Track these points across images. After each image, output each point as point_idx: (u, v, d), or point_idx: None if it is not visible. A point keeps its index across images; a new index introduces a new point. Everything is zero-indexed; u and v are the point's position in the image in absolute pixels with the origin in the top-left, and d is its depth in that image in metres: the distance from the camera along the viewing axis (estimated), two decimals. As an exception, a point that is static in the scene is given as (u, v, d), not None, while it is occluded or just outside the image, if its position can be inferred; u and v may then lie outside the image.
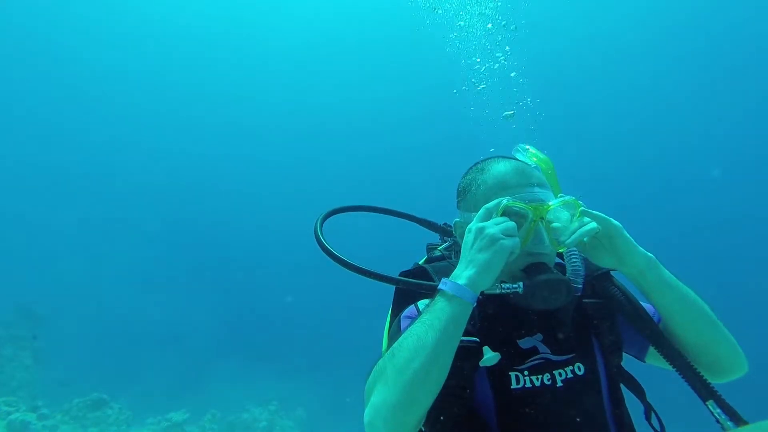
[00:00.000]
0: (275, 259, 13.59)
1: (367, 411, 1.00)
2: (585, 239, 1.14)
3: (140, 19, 13.80)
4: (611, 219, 1.15)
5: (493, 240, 1.06)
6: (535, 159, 1.22)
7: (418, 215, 1.59)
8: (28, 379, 8.76)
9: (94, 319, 11.56)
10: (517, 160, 1.28)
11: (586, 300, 1.24)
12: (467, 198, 1.27)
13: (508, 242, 1.06)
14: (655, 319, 1.25)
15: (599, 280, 1.26)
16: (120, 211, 13.88)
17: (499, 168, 1.24)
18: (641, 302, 1.25)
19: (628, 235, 1.15)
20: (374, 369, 1.04)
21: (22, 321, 9.56)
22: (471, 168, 1.31)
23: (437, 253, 1.47)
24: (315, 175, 14.15)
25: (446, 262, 1.35)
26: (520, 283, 1.11)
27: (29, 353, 9.20)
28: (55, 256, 12.73)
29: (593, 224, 1.14)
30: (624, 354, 1.26)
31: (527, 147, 1.23)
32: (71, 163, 14.09)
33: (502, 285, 1.12)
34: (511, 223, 1.10)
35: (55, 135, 14.08)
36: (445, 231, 1.57)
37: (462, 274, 1.06)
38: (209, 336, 11.83)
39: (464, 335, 1.09)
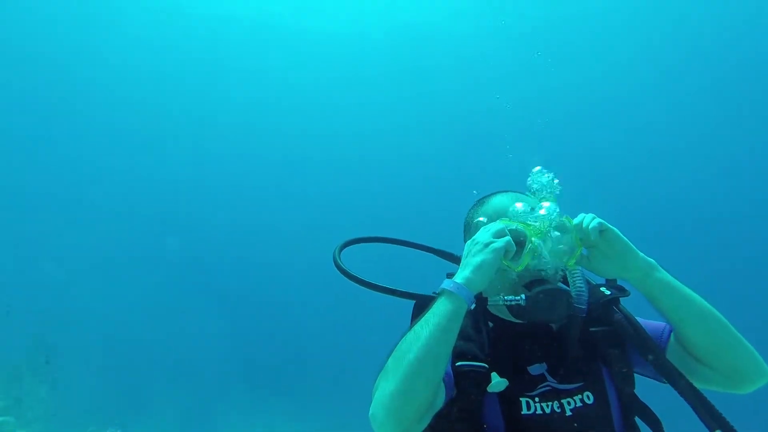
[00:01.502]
0: (293, 287, 13.52)
1: (371, 404, 1.08)
2: (594, 236, 1.20)
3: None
4: (608, 224, 1.22)
5: (485, 244, 1.16)
6: (545, 178, 1.30)
7: (435, 246, 1.66)
8: (43, 412, 8.81)
9: (106, 347, 11.62)
10: (515, 191, 1.38)
11: (593, 328, 1.28)
12: (471, 231, 1.37)
13: (499, 243, 1.15)
14: (665, 334, 1.28)
15: (605, 307, 1.29)
16: (134, 237, 13.98)
17: (498, 198, 1.35)
18: (652, 320, 1.30)
19: (625, 239, 1.22)
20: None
21: (38, 350, 9.66)
22: (474, 203, 1.42)
23: None
24: (334, 202, 14.15)
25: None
26: (522, 296, 1.18)
27: (46, 386, 9.28)
28: (67, 283, 12.85)
29: (597, 220, 1.20)
30: (643, 377, 1.30)
31: (538, 168, 1.32)
32: (84, 190, 14.27)
33: (505, 298, 1.19)
34: (501, 225, 1.19)
35: (64, 161, 14.29)
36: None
37: (458, 275, 1.16)
38: (223, 367, 11.79)
39: (473, 360, 1.17)
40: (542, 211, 1.26)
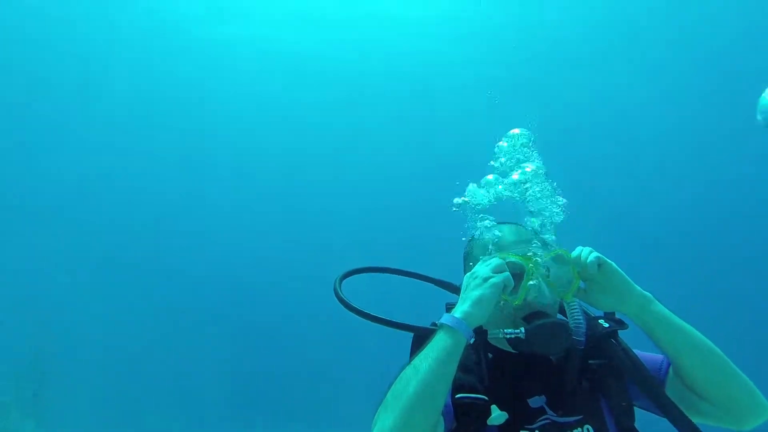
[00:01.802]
0: (293, 314, 13.30)
1: None
2: (592, 269, 1.23)
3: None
4: (606, 258, 1.25)
5: (484, 278, 1.18)
6: (542, 217, 1.35)
7: (434, 276, 1.68)
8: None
9: (99, 373, 11.37)
10: (514, 223, 1.41)
11: (592, 361, 1.29)
12: (470, 260, 1.40)
13: (498, 278, 1.18)
14: (664, 368, 1.30)
15: (603, 340, 1.31)
16: (129, 260, 13.78)
17: (497, 230, 1.37)
18: (650, 353, 1.31)
19: (622, 273, 1.25)
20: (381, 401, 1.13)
21: (28, 378, 9.47)
22: (473, 235, 1.44)
23: None
24: (335, 227, 14.03)
25: None
26: (522, 328, 1.20)
27: (32, 420, 9.05)
28: (60, 306, 12.64)
29: (595, 254, 1.23)
30: (642, 411, 1.30)
31: (531, 209, 1.36)
32: (77, 212, 14.10)
33: (505, 331, 1.21)
34: (500, 261, 1.21)
35: (57, 184, 14.18)
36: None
37: (457, 310, 1.18)
38: (222, 396, 11.55)
39: (473, 392, 1.18)
40: (540, 243, 1.30)
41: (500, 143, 1.44)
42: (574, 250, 1.30)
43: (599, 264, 1.24)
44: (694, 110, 11.77)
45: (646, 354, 1.32)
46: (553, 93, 11.92)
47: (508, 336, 1.21)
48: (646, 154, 12.74)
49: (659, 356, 1.31)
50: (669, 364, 1.29)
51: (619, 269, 1.25)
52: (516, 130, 1.43)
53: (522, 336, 1.19)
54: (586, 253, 1.25)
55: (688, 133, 12.11)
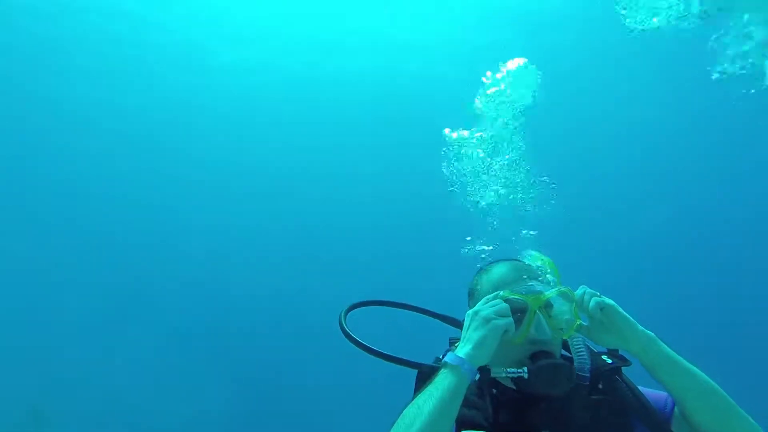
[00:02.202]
0: (297, 354, 13.10)
1: None
2: (595, 313, 1.25)
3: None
4: (606, 298, 1.27)
5: (487, 320, 1.20)
6: (540, 261, 1.36)
7: (439, 311, 1.69)
8: None
9: (102, 418, 11.17)
10: (516, 260, 1.43)
11: (596, 397, 1.29)
12: (473, 298, 1.43)
13: (500, 322, 1.20)
14: (669, 405, 1.29)
15: (607, 376, 1.31)
16: (130, 299, 13.69)
17: (499, 268, 1.41)
18: (655, 390, 1.31)
19: (625, 313, 1.26)
20: None
21: (29, 425, 9.29)
22: (477, 272, 1.48)
23: (453, 349, 1.57)
24: (338, 257, 13.93)
25: None
26: (525, 368, 1.22)
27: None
28: (61, 349, 12.52)
29: (596, 298, 1.26)
30: None
31: (532, 252, 1.38)
32: (79, 249, 14.08)
33: (508, 370, 1.23)
34: (504, 305, 1.23)
35: (60, 223, 14.17)
36: None
37: (460, 349, 1.20)
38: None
39: (477, 428, 1.19)
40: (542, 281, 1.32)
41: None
42: (576, 287, 1.32)
43: (601, 308, 1.26)
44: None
45: (651, 391, 1.32)
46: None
47: (511, 375, 1.23)
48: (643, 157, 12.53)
49: (664, 393, 1.31)
50: (674, 402, 1.29)
51: (621, 310, 1.26)
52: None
53: (525, 376, 1.21)
54: (588, 296, 1.27)
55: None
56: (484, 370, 1.26)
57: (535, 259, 1.36)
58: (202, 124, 13.53)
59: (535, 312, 1.25)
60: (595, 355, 1.36)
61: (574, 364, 1.28)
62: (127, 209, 13.89)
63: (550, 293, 1.28)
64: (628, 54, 10.54)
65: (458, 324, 1.68)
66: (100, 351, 12.55)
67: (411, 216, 13.25)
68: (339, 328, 1.44)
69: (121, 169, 13.64)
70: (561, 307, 1.30)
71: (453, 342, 1.64)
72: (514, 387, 1.29)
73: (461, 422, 1.23)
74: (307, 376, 12.83)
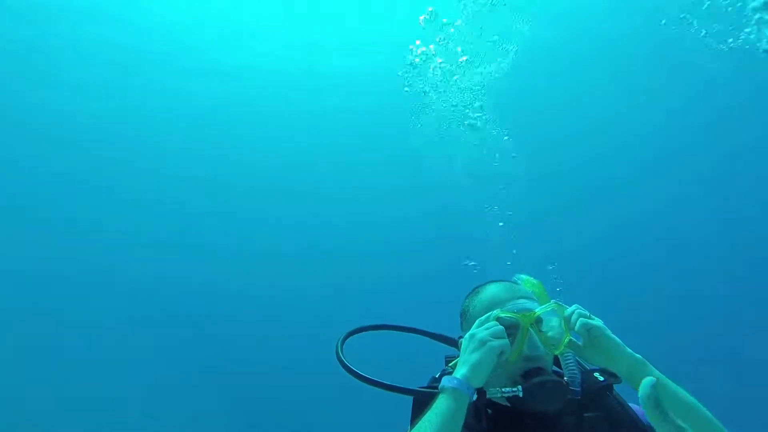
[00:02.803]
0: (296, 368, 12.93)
1: None
2: (582, 335, 1.28)
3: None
4: (594, 320, 1.29)
5: (483, 342, 1.23)
6: (529, 285, 1.41)
7: (434, 331, 1.71)
8: None
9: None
10: (506, 281, 1.47)
11: (588, 414, 1.32)
12: (466, 318, 1.47)
13: (495, 343, 1.23)
14: None
15: (599, 393, 1.34)
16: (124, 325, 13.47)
17: (491, 288, 1.44)
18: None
19: (612, 335, 1.29)
20: None
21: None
22: (469, 293, 1.51)
23: (449, 369, 1.59)
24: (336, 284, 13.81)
25: None
26: (519, 387, 1.25)
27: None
28: (55, 376, 12.29)
29: (582, 320, 1.28)
30: None
31: (523, 276, 1.42)
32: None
33: (503, 390, 1.26)
34: (499, 327, 1.26)
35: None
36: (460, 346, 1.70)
37: (457, 372, 1.22)
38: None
39: None
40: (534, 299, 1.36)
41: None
42: (567, 304, 1.34)
43: (588, 329, 1.28)
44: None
45: (641, 409, 1.34)
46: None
47: (506, 395, 1.26)
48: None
49: None
50: None
51: (608, 332, 1.29)
52: None
53: (520, 394, 1.24)
54: (575, 317, 1.30)
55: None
56: (480, 391, 1.28)
57: (525, 282, 1.40)
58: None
59: (527, 329, 1.29)
60: (586, 372, 1.39)
61: (566, 378, 1.31)
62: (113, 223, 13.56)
63: (541, 310, 1.32)
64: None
65: (452, 342, 1.71)
66: (93, 376, 12.29)
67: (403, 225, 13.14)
68: (336, 358, 1.46)
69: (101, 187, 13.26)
70: (551, 323, 1.34)
71: (449, 360, 1.68)
72: (509, 405, 1.32)
73: None
74: (306, 400, 12.63)
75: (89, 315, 13.03)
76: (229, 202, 13.67)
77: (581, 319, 1.28)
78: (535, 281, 1.40)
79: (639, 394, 1.10)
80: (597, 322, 1.29)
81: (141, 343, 12.77)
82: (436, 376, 1.56)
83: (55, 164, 12.77)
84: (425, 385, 1.48)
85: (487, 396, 1.28)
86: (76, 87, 11.69)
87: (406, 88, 7.58)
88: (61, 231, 13.16)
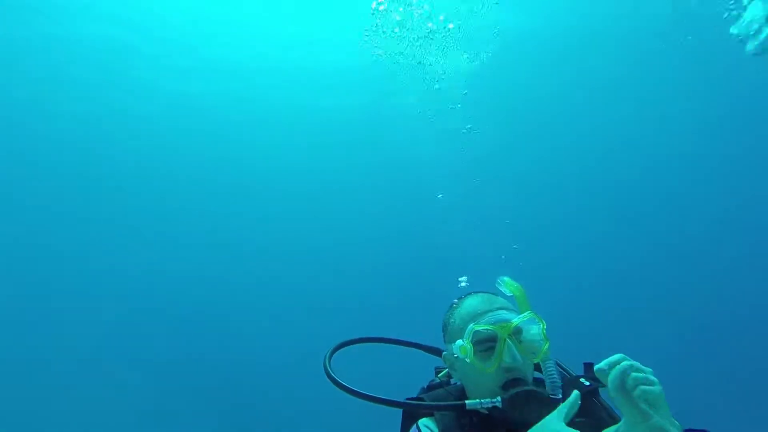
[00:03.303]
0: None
1: None
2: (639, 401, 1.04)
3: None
4: (654, 386, 1.05)
5: None
6: (511, 288, 1.40)
7: (423, 343, 1.74)
8: None
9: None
10: (486, 292, 1.49)
11: (577, 419, 1.29)
12: (448, 331, 1.48)
13: None
14: None
15: (585, 398, 1.33)
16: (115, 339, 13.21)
17: (470, 301, 1.46)
18: None
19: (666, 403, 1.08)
20: None
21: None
22: (450, 305, 1.53)
23: (437, 380, 1.63)
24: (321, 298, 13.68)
25: (443, 390, 1.52)
26: (498, 398, 1.26)
27: None
28: (43, 390, 12.06)
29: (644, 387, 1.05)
30: None
31: (505, 278, 1.41)
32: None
33: (482, 401, 1.27)
34: None
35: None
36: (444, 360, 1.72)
37: None
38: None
39: None
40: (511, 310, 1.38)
41: None
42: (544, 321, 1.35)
43: (645, 398, 1.02)
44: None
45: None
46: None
47: (485, 406, 1.27)
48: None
49: None
50: None
51: (664, 400, 1.04)
52: None
53: (499, 405, 1.26)
54: (631, 382, 1.03)
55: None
56: (458, 407, 1.30)
57: (507, 284, 1.40)
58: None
59: (504, 340, 1.30)
60: (572, 379, 1.41)
61: (546, 386, 1.31)
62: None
63: (518, 320, 1.33)
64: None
65: (440, 353, 1.73)
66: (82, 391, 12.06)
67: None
68: (324, 372, 1.47)
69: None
70: (530, 331, 1.35)
71: (438, 371, 1.71)
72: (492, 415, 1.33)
73: None
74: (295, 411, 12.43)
75: (64, 314, 12.74)
76: (206, 201, 13.29)
77: (640, 387, 1.03)
78: (516, 284, 1.39)
79: (608, 378, 1.03)
80: (657, 388, 1.03)
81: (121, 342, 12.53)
82: (425, 387, 1.60)
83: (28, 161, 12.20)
84: (415, 396, 1.51)
85: (467, 408, 1.29)
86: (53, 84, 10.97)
87: (378, 52, 7.62)
88: (29, 227, 12.71)
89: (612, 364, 1.05)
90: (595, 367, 1.07)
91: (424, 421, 1.39)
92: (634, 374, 1.02)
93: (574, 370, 1.49)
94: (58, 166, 11.92)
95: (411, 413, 1.42)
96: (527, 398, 1.25)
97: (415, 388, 1.63)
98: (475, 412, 1.33)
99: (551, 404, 1.26)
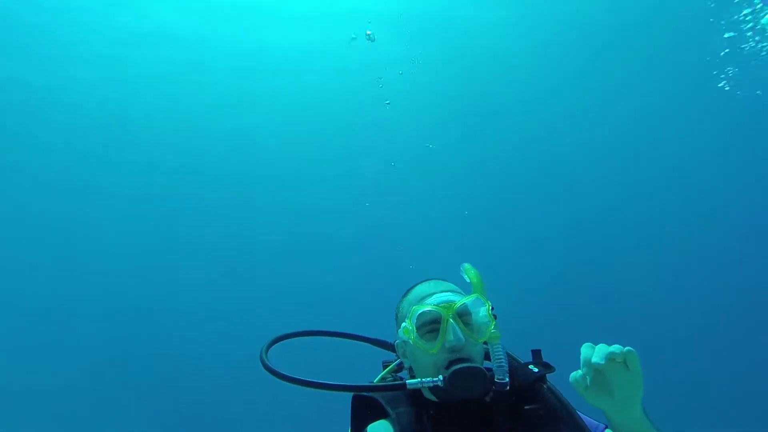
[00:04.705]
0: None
1: None
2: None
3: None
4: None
5: None
6: (469, 274, 1.38)
7: (370, 336, 1.66)
8: None
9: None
10: (437, 279, 1.47)
11: (528, 406, 1.31)
12: (398, 319, 1.46)
13: None
14: (599, 430, 1.32)
15: (534, 384, 1.33)
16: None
17: (420, 287, 1.45)
18: (586, 416, 1.32)
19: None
20: None
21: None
22: (403, 294, 1.50)
23: (388, 376, 1.58)
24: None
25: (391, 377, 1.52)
26: (440, 376, 1.24)
27: None
28: None
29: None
30: None
31: (466, 265, 1.40)
32: None
33: (423, 380, 1.25)
34: None
35: None
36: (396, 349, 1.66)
37: None
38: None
39: None
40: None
41: None
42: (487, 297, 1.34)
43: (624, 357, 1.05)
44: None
45: (585, 417, 1.32)
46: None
47: (426, 385, 1.25)
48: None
49: (594, 422, 1.33)
50: (604, 430, 1.31)
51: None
52: None
53: (440, 383, 1.23)
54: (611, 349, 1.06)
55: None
56: (399, 386, 1.28)
57: (467, 271, 1.38)
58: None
59: (448, 320, 1.28)
60: (521, 365, 1.39)
61: (494, 370, 1.29)
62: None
63: (462, 300, 1.32)
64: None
65: (388, 346, 1.67)
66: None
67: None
68: (261, 364, 1.40)
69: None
70: (477, 313, 1.35)
71: (386, 365, 1.64)
72: (434, 397, 1.31)
73: None
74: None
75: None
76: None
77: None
78: (474, 271, 1.36)
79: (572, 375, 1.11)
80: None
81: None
82: (372, 381, 1.52)
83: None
84: (372, 384, 1.46)
85: (408, 387, 1.27)
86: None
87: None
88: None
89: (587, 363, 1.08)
90: (571, 379, 1.11)
91: (375, 426, 1.33)
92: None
93: (524, 359, 1.46)
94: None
95: (358, 412, 1.37)
96: (468, 375, 1.22)
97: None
98: (433, 406, 1.31)
99: (496, 385, 1.25)
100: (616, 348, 1.04)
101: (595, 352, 1.06)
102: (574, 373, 1.11)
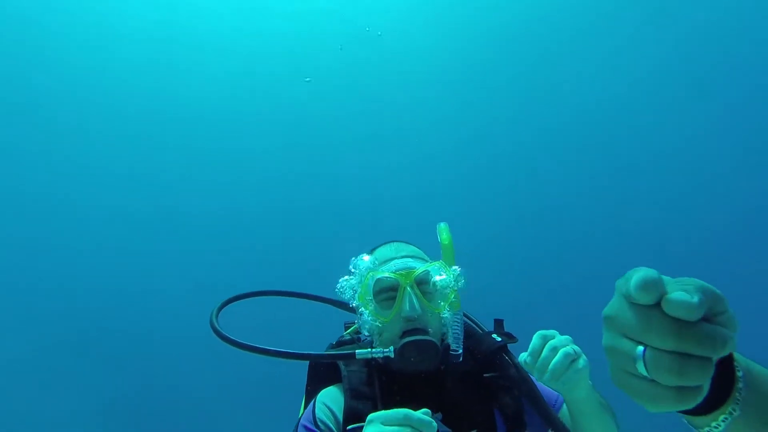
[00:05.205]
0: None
1: None
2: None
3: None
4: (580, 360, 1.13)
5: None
6: (442, 236, 1.33)
7: (329, 296, 1.62)
8: None
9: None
10: (402, 241, 1.42)
11: (487, 375, 1.30)
12: (353, 274, 1.40)
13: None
14: (558, 402, 1.33)
15: (495, 353, 1.32)
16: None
17: (380, 249, 1.39)
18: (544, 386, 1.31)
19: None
20: None
21: None
22: (361, 256, 1.43)
23: (346, 336, 1.54)
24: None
25: (354, 345, 1.44)
26: (391, 347, 1.21)
27: None
28: None
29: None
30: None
31: (441, 225, 1.35)
32: None
33: (372, 351, 1.21)
34: (403, 414, 1.01)
35: None
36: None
37: None
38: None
39: (362, 421, 1.09)
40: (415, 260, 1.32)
41: None
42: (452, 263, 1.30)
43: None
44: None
45: (544, 387, 1.33)
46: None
47: (375, 356, 1.21)
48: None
49: (554, 393, 1.34)
50: (563, 402, 1.32)
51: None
52: None
53: (391, 354, 1.20)
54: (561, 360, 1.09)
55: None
56: (348, 356, 1.24)
57: (441, 231, 1.33)
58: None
59: (405, 288, 1.24)
60: (484, 335, 1.37)
61: (448, 339, 1.28)
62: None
63: (421, 269, 1.27)
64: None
65: (347, 307, 1.63)
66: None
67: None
68: (210, 329, 1.33)
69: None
70: (437, 282, 1.30)
71: (348, 326, 1.62)
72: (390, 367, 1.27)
73: (348, 416, 1.20)
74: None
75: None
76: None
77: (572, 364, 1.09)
78: (447, 234, 1.31)
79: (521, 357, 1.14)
80: (582, 362, 1.10)
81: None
82: (333, 343, 1.48)
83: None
84: (322, 353, 1.38)
85: (357, 357, 1.22)
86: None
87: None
88: None
89: (535, 353, 1.10)
90: (521, 360, 1.12)
91: (324, 394, 1.29)
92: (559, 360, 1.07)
93: (487, 327, 1.45)
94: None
95: (314, 376, 1.34)
96: (419, 347, 1.19)
97: (321, 346, 1.51)
98: (383, 367, 1.27)
99: (448, 356, 1.24)
100: (560, 343, 1.10)
101: (544, 350, 1.10)
102: (523, 354, 1.14)
